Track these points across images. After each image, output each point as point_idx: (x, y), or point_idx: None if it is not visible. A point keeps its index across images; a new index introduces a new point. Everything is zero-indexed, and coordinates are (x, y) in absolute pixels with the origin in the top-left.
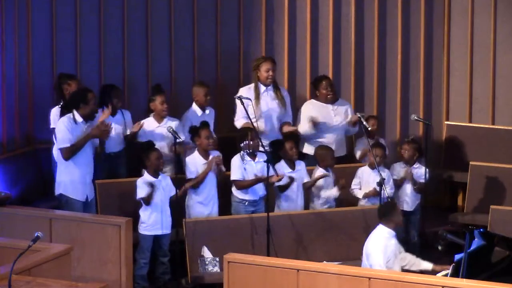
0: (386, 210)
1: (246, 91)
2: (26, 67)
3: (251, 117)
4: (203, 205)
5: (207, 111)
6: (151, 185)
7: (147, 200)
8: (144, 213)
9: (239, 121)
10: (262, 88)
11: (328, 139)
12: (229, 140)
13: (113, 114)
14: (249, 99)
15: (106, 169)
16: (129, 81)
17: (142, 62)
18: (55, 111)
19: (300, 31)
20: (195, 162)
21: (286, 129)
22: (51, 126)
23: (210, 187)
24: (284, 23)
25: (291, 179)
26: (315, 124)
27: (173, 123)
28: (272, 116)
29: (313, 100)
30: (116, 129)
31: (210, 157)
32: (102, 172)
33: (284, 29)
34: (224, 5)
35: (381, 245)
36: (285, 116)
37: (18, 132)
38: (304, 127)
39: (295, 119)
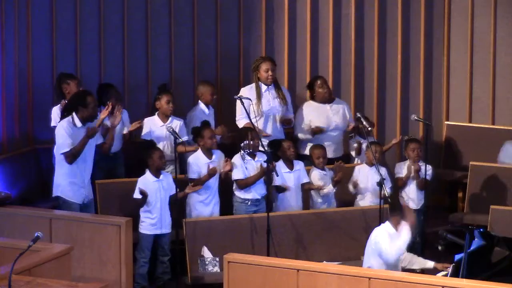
0: (393, 209)
1: (247, 91)
2: (26, 67)
3: (251, 116)
4: (204, 204)
5: (210, 110)
6: (143, 194)
7: (140, 204)
8: (144, 213)
9: (241, 121)
10: (263, 87)
11: (327, 139)
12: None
13: (111, 113)
14: (249, 99)
15: (104, 169)
16: (129, 81)
17: (142, 62)
18: (56, 110)
19: (300, 31)
20: (198, 162)
21: (283, 118)
22: (52, 125)
23: (212, 187)
24: (284, 23)
25: (285, 188)
26: (316, 132)
27: (178, 123)
28: (275, 115)
29: (311, 102)
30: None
31: (213, 156)
32: (101, 172)
33: (284, 29)
34: (224, 5)
35: (388, 234)
36: (287, 114)
37: (18, 132)
38: (303, 133)
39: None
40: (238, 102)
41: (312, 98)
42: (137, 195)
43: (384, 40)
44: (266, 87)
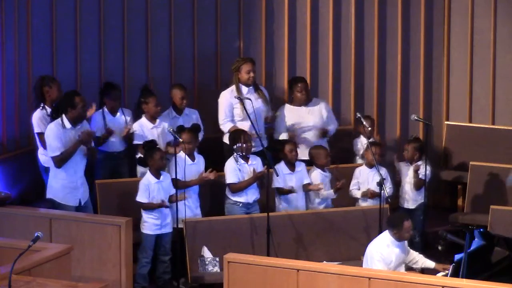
0: (394, 222)
1: (229, 94)
2: (26, 67)
3: (236, 118)
4: (186, 207)
5: (184, 113)
6: (160, 206)
7: (146, 208)
8: (147, 213)
9: (226, 125)
10: (245, 89)
11: (306, 140)
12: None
13: (114, 113)
14: (249, 99)
15: (108, 168)
16: (129, 81)
17: (142, 62)
18: (37, 114)
19: (300, 31)
20: (181, 164)
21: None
22: (36, 131)
23: (190, 189)
24: (284, 23)
25: (289, 190)
26: (292, 137)
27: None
28: (260, 116)
29: (287, 105)
30: (118, 128)
31: (196, 160)
32: (105, 171)
33: (284, 29)
34: (224, 5)
35: (381, 253)
36: (269, 113)
37: (18, 132)
38: (283, 137)
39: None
40: (219, 104)
41: (290, 99)
42: (141, 198)
43: (384, 40)
44: (247, 88)
